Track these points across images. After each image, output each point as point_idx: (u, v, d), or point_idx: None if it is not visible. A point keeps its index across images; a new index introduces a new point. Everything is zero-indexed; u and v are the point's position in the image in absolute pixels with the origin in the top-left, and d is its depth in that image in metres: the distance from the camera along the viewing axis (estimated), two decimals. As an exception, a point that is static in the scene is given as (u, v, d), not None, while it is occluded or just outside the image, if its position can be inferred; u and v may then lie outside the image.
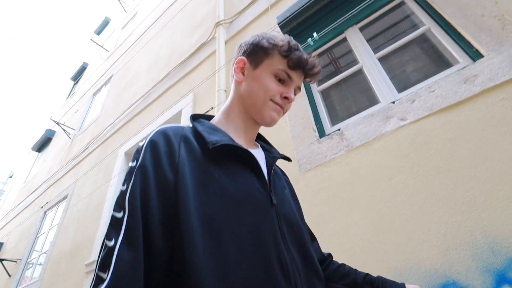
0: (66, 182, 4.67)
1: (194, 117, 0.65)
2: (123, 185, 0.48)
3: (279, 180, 0.65)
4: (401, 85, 1.65)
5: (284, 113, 0.66)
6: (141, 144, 0.53)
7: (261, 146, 0.71)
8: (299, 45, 0.65)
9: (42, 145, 7.27)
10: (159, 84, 3.59)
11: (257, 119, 0.65)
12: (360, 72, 1.86)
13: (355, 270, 0.74)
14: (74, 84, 8.43)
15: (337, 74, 1.98)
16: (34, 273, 4.18)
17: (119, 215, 0.44)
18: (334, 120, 1.84)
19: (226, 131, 0.63)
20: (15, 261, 4.72)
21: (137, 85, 4.25)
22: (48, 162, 6.06)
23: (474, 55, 1.39)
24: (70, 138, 5.71)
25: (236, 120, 0.66)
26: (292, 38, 0.66)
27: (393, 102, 1.52)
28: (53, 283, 3.39)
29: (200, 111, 2.52)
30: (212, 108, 2.41)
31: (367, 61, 1.80)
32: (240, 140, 0.64)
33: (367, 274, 0.72)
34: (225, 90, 2.48)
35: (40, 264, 4.18)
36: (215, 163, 0.53)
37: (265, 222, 0.51)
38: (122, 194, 0.46)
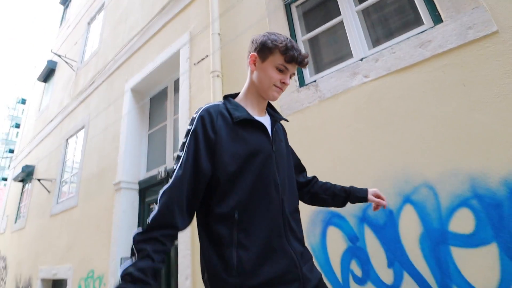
0: (79, 115, 5.09)
1: (225, 97, 1.00)
2: (184, 138, 0.87)
3: (278, 136, 1.00)
4: (373, 41, 1.83)
5: (282, 91, 0.98)
6: (194, 115, 0.90)
7: (269, 113, 1.03)
8: (294, 44, 0.93)
9: (47, 76, 7.43)
10: (154, 19, 3.59)
11: (264, 97, 0.97)
12: (341, 24, 1.98)
13: (335, 185, 1.14)
14: (65, 9, 7.97)
15: (322, 24, 2.10)
16: (70, 189, 5.00)
17: (181, 154, 0.85)
18: (314, 70, 2.07)
19: (245, 106, 0.96)
20: (51, 180, 5.54)
21: (132, 18, 4.19)
22: (58, 94, 6.36)
23: (436, 19, 1.55)
24: (74, 70, 5.85)
25: (251, 98, 0.98)
26: (289, 39, 0.94)
27: (361, 60, 1.74)
28: (88, 198, 4.16)
29: (197, 56, 2.70)
30: (207, 56, 2.59)
31: (347, 13, 1.92)
32: (254, 110, 0.97)
33: (342, 186, 1.13)
34: (219, 34, 2.60)
35: (73, 183, 4.96)
36: (239, 127, 0.89)
37: (267, 161, 0.88)
38: (183, 143, 0.86)
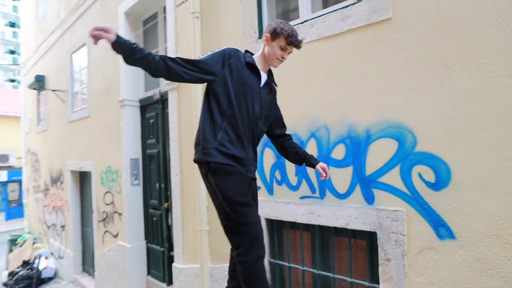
0: (79, 31, 5.35)
1: (246, 51, 1.50)
2: (210, 52, 1.40)
3: (269, 89, 1.50)
4: (316, 6, 2.16)
5: (282, 63, 1.46)
6: (222, 48, 1.41)
7: (268, 75, 1.51)
8: (294, 33, 1.39)
9: (38, -20, 7.17)
10: None
11: (269, 64, 1.47)
12: (297, -18, 2.25)
13: (300, 147, 1.62)
14: None
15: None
16: (82, 100, 5.69)
17: (205, 55, 1.38)
18: (273, 23, 2.44)
19: (256, 62, 1.44)
20: (63, 91, 6.20)
21: None
22: (54, 4, 6.36)
23: (359, -5, 1.88)
24: (65, -21, 5.73)
25: (260, 60, 1.47)
26: (292, 29, 1.40)
27: (303, 23, 2.13)
28: (98, 110, 4.90)
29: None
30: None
31: (302, -26, 2.17)
32: (260, 67, 1.45)
33: (304, 151, 1.61)
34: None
35: (84, 94, 5.62)
36: (246, 67, 1.39)
37: (253, 94, 1.38)
38: (208, 53, 1.40)
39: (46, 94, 7.06)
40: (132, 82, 4.27)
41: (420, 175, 1.66)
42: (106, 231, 4.78)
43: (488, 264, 1.46)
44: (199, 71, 1.32)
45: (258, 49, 2.47)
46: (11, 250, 7.34)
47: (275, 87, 1.56)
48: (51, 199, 7.03)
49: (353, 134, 1.91)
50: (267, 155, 2.38)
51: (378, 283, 1.84)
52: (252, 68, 1.40)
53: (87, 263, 5.85)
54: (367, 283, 1.94)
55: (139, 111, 4.34)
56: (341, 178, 1.97)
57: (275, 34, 1.38)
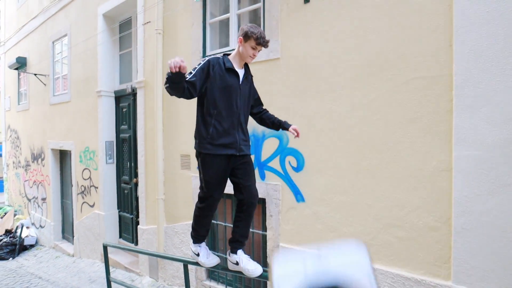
0: (61, 22, 5.88)
1: (224, 54, 1.74)
2: (197, 65, 1.67)
3: (246, 82, 1.75)
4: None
5: (253, 59, 1.72)
6: (206, 59, 1.69)
7: (245, 68, 1.77)
8: (263, 35, 1.64)
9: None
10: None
11: (244, 61, 1.73)
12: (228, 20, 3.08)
13: (276, 117, 1.90)
14: None
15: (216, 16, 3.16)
16: (63, 85, 6.27)
17: (193, 70, 1.64)
18: (214, 48, 3.27)
19: (233, 61, 1.70)
20: (45, 76, 6.72)
21: None
22: (36, -8, 6.77)
23: (263, 38, 2.74)
24: (48, -29, 6.16)
25: (236, 58, 1.72)
26: (260, 32, 1.64)
27: (230, 50, 2.98)
28: (78, 96, 5.55)
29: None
30: (149, 22, 3.59)
31: (232, 14, 3.00)
32: (236, 65, 1.71)
33: (279, 120, 1.88)
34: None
35: (65, 79, 6.18)
36: (226, 72, 1.66)
37: (234, 92, 1.68)
38: (195, 68, 1.65)
39: (27, 75, 7.49)
40: (109, 75, 4.98)
41: (289, 162, 2.61)
42: (84, 202, 5.57)
43: (319, 216, 2.46)
44: (195, 88, 1.61)
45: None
46: (-8, 221, 7.87)
47: (251, 76, 1.85)
48: (32, 174, 7.61)
49: (255, 133, 2.83)
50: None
51: (266, 231, 2.82)
52: (232, 71, 1.69)
53: (67, 231, 6.61)
54: (261, 231, 2.93)
55: (114, 101, 5.07)
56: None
57: (246, 37, 1.63)
